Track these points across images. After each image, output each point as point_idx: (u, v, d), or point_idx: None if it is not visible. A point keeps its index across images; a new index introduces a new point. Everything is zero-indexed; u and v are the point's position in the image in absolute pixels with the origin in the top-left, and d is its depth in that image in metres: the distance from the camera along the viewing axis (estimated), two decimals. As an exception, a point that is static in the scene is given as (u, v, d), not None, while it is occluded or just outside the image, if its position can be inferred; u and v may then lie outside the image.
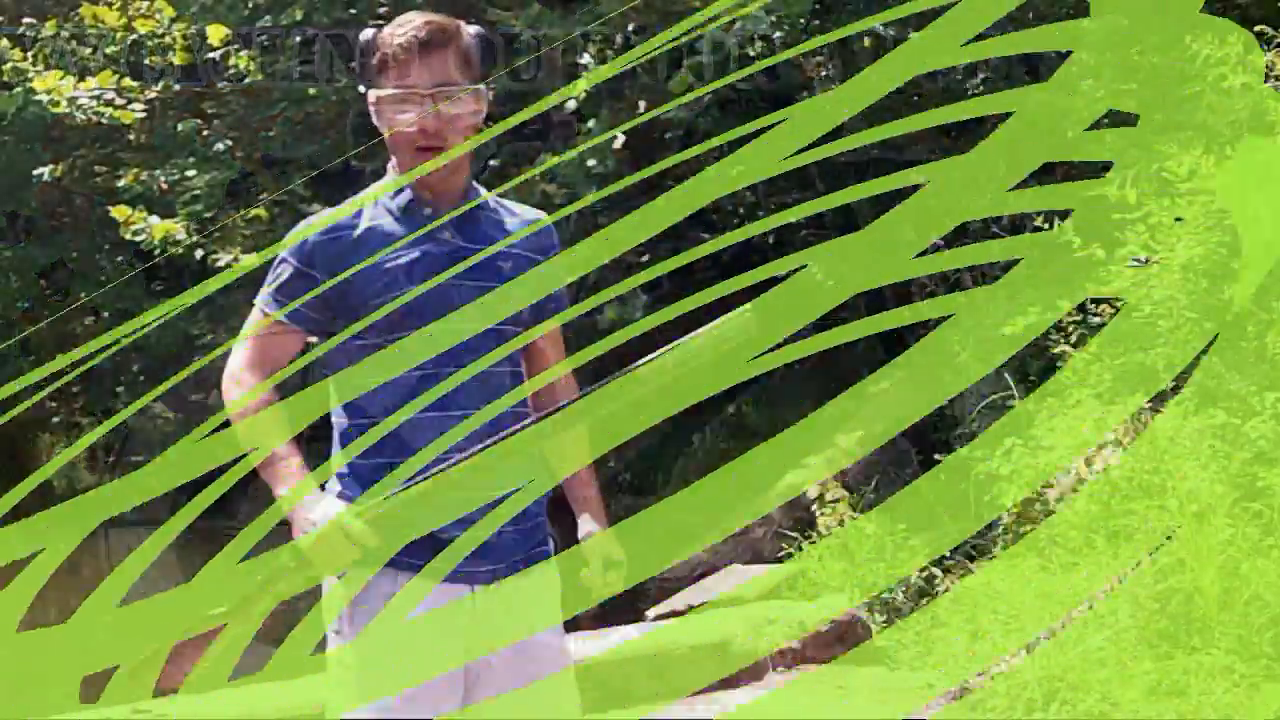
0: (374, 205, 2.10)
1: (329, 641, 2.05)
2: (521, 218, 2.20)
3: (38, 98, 9.36)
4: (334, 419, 2.09)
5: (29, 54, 9.86)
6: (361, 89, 2.13)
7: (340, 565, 1.89)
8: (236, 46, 9.54)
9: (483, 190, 2.17)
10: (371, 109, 2.06)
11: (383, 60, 2.02)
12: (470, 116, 2.05)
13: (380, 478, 2.00)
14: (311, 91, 10.11)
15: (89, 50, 10.42)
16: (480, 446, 1.90)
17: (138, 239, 9.42)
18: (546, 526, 2.18)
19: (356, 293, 2.02)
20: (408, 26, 2.01)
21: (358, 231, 2.06)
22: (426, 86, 2.00)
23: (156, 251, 9.66)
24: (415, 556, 2.00)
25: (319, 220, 2.10)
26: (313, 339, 2.11)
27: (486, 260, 2.08)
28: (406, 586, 1.99)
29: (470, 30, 2.08)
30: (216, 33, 9.40)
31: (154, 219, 9.32)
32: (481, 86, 2.06)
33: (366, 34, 2.08)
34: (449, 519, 1.96)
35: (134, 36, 10.01)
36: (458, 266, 2.05)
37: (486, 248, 2.09)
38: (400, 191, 2.08)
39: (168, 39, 10.01)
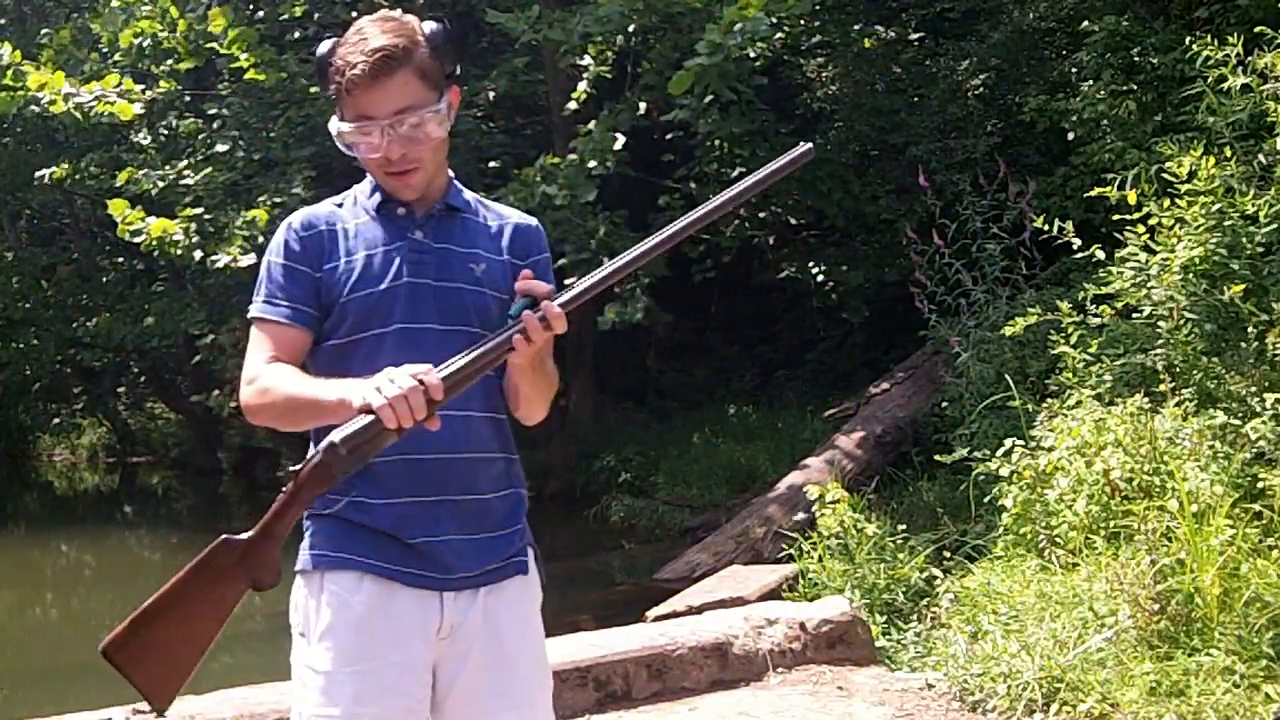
0: (354, 203, 2.08)
1: (294, 643, 2.02)
2: (506, 221, 2.13)
3: (34, 94, 9.34)
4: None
5: (40, 63, 9.83)
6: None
7: (408, 418, 1.77)
8: (235, 33, 9.44)
9: (466, 193, 2.11)
10: (335, 136, 2.01)
11: (338, 86, 1.96)
12: (435, 134, 1.98)
13: (351, 479, 1.96)
14: (313, 91, 10.11)
15: (96, 55, 10.43)
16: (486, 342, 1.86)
17: (135, 239, 9.41)
18: (526, 536, 2.09)
19: (329, 291, 2.00)
20: (359, 53, 1.93)
21: (336, 227, 2.04)
22: (384, 116, 1.94)
23: (155, 253, 9.67)
24: (383, 560, 1.96)
25: (300, 216, 2.07)
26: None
27: (458, 261, 2.03)
28: (373, 590, 1.95)
29: (427, 32, 1.99)
30: (218, 20, 9.36)
31: (152, 219, 9.32)
32: (443, 103, 1.98)
33: (324, 47, 2.00)
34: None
35: (138, 40, 10.00)
36: (425, 267, 2.01)
37: (457, 250, 2.05)
38: (376, 190, 2.06)
39: (171, 40, 10.01)
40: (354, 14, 10.40)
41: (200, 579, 1.85)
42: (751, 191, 1.99)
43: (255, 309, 2.04)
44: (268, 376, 1.95)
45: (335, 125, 2.00)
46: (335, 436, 1.82)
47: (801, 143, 2.02)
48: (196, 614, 1.86)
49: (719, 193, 2.01)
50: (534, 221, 2.17)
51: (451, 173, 2.11)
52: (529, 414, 2.08)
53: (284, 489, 1.86)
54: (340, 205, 2.08)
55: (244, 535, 1.86)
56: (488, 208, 2.14)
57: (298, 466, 1.86)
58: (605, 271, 1.94)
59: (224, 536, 1.86)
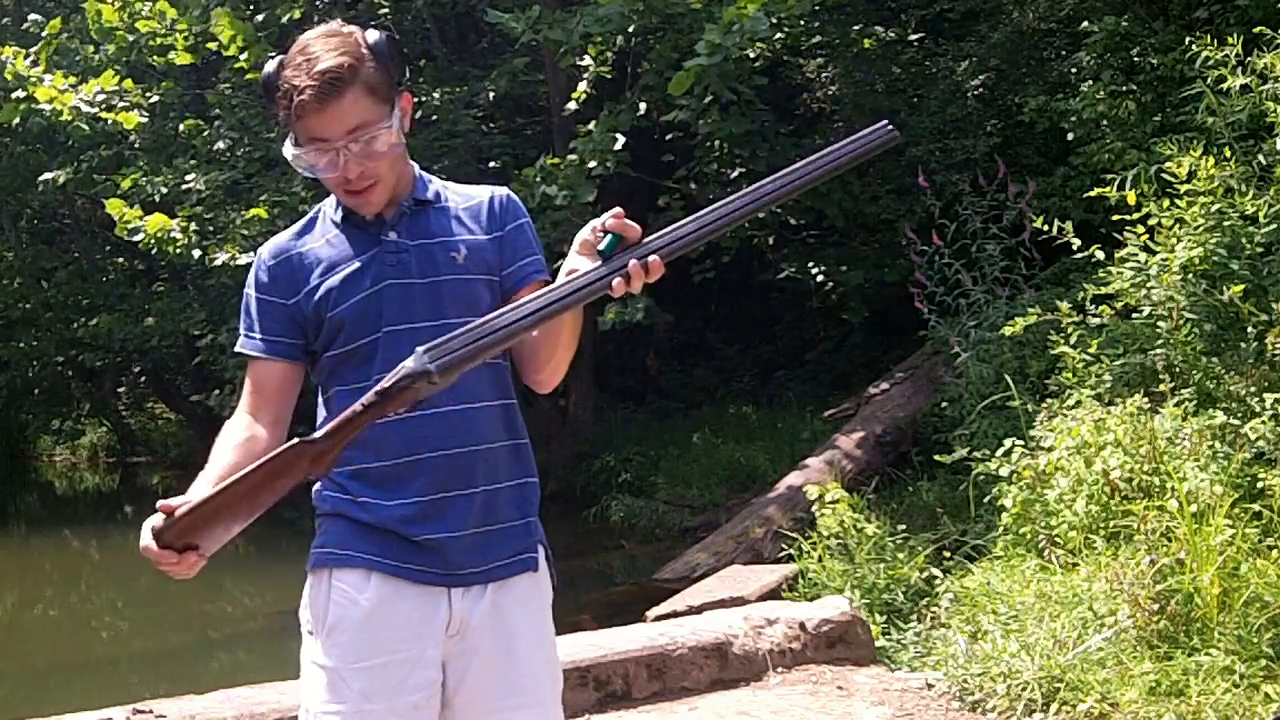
0: (323, 220, 2.09)
1: (304, 640, 2.03)
2: (477, 199, 2.11)
3: (40, 106, 9.37)
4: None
5: (32, 54, 9.84)
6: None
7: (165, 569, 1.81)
8: (235, 29, 9.43)
9: (431, 181, 2.10)
10: (291, 160, 2.00)
11: (286, 108, 1.94)
12: (392, 145, 1.97)
13: (354, 483, 1.99)
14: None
15: (91, 49, 10.42)
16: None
17: (134, 238, 9.40)
18: (537, 532, 2.10)
19: (316, 309, 2.01)
20: (305, 75, 1.91)
21: (306, 248, 2.05)
22: (338, 138, 1.93)
23: (153, 250, 9.67)
24: (390, 557, 1.97)
25: (269, 245, 2.08)
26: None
27: (439, 253, 2.03)
28: (380, 588, 1.97)
29: (371, 43, 1.97)
30: (222, 22, 9.34)
31: (149, 217, 9.31)
32: (394, 115, 1.95)
33: (270, 67, 1.98)
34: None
35: (135, 37, 10.00)
36: (405, 266, 2.01)
37: (435, 241, 2.04)
38: (341, 204, 2.06)
39: (170, 39, 10.00)
40: (353, 14, 10.41)
41: (271, 478, 1.83)
42: (836, 167, 1.89)
43: (239, 343, 2.08)
44: (220, 436, 1.99)
45: (289, 150, 1.99)
46: (431, 365, 1.80)
47: (884, 123, 1.91)
48: (255, 492, 1.82)
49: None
50: (505, 191, 2.15)
51: (416, 166, 2.10)
52: (551, 377, 2.07)
53: (365, 400, 1.83)
54: (310, 224, 2.09)
55: (316, 435, 1.85)
56: (456, 192, 2.13)
57: (387, 382, 1.83)
58: (703, 222, 1.89)
59: (298, 440, 1.85)
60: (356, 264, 2.01)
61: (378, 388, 1.83)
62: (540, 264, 2.11)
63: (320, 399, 2.09)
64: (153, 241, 9.34)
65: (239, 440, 1.97)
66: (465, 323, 1.96)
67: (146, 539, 1.78)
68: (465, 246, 2.05)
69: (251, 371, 2.06)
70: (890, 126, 1.89)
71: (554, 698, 2.09)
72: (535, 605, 2.08)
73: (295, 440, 1.86)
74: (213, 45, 9.83)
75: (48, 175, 11.16)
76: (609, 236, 1.87)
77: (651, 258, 1.86)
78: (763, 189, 1.88)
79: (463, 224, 2.08)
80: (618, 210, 1.91)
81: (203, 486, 1.87)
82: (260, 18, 10.37)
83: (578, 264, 1.89)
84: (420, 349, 1.81)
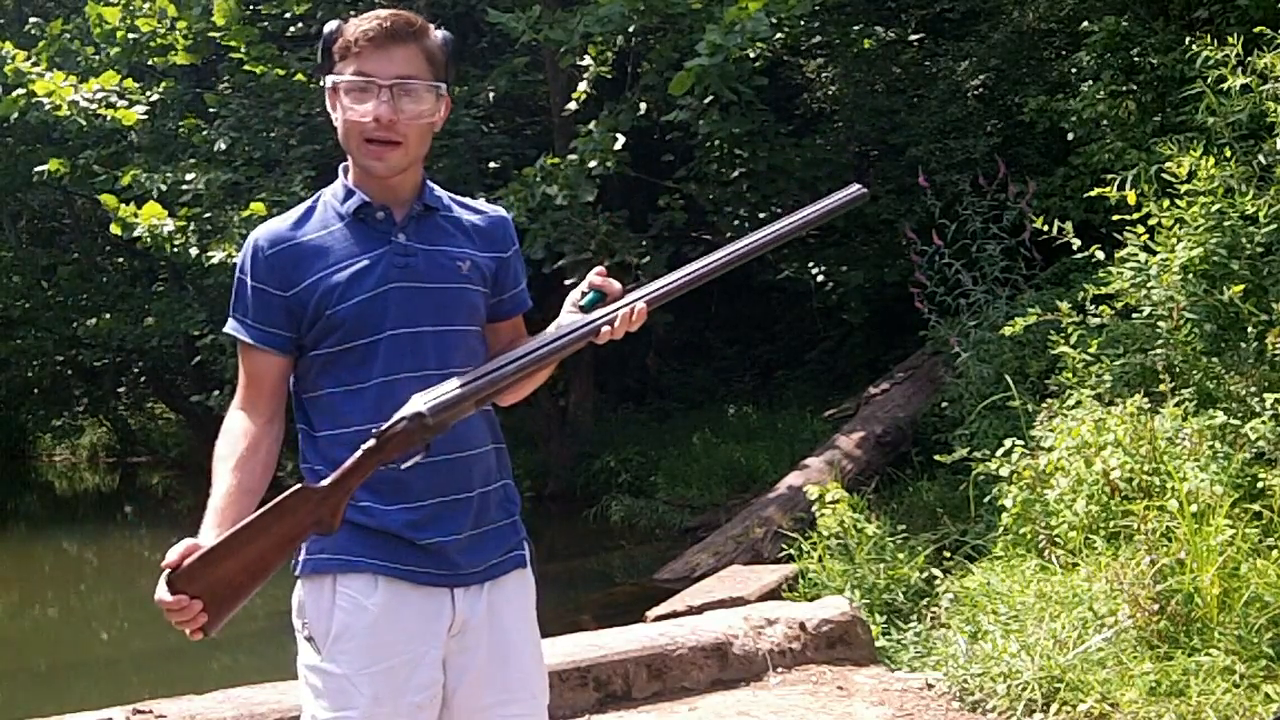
0: (325, 210, 2.05)
1: (301, 646, 2.01)
2: (480, 215, 2.13)
3: (38, 100, 9.37)
4: (299, 429, 2.05)
5: (33, 55, 9.85)
6: (322, 78, 2.05)
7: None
8: (237, 27, 9.41)
9: (438, 190, 2.10)
10: (327, 97, 2.00)
11: (344, 48, 1.97)
12: (428, 114, 1.99)
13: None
14: (313, 87, 10.10)
15: (91, 49, 10.43)
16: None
17: (128, 235, 9.39)
18: (521, 530, 2.12)
19: (314, 303, 1.97)
20: (373, 17, 1.97)
21: (308, 239, 2.01)
22: (385, 77, 1.94)
23: (151, 249, 9.66)
24: (395, 560, 1.97)
25: (266, 230, 2.04)
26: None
27: (443, 261, 2.03)
28: (387, 592, 1.96)
29: (437, 32, 2.03)
30: (221, 11, 9.33)
31: (144, 209, 9.30)
32: (442, 86, 1.99)
33: (331, 25, 2.02)
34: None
35: (135, 35, 9.99)
36: (413, 269, 2.00)
37: (442, 249, 2.04)
38: (350, 195, 2.03)
39: (170, 38, 10.00)
40: (353, 13, 10.40)
41: (278, 524, 1.85)
42: (810, 224, 2.13)
43: (229, 325, 2.05)
44: (221, 439, 1.99)
45: (330, 80, 1.99)
46: (423, 407, 1.85)
47: (856, 185, 2.15)
48: (267, 552, 1.86)
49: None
50: (504, 212, 2.19)
51: (423, 172, 2.10)
52: (511, 399, 2.11)
53: (364, 445, 1.87)
54: (308, 214, 2.05)
55: (321, 484, 1.88)
56: (458, 202, 2.15)
57: (384, 427, 1.87)
58: (682, 277, 2.04)
59: (301, 485, 1.88)
60: (364, 261, 1.99)
61: (376, 431, 1.87)
62: (526, 294, 2.20)
63: (300, 398, 2.06)
64: (149, 239, 9.32)
65: (239, 455, 1.95)
66: (467, 330, 2.04)
67: (161, 590, 1.80)
68: (469, 259, 2.07)
69: (246, 361, 2.03)
70: (863, 189, 2.13)
71: (543, 691, 2.12)
72: (524, 602, 2.11)
73: (298, 485, 1.87)
74: (215, 34, 9.81)
75: (44, 166, 11.16)
76: (591, 293, 1.98)
77: (639, 305, 1.97)
78: (741, 246, 2.10)
79: (469, 237, 2.09)
80: (600, 269, 2.02)
81: (210, 519, 1.89)
82: (261, 7, 10.37)
83: (566, 320, 1.99)
84: (416, 395, 1.87)
